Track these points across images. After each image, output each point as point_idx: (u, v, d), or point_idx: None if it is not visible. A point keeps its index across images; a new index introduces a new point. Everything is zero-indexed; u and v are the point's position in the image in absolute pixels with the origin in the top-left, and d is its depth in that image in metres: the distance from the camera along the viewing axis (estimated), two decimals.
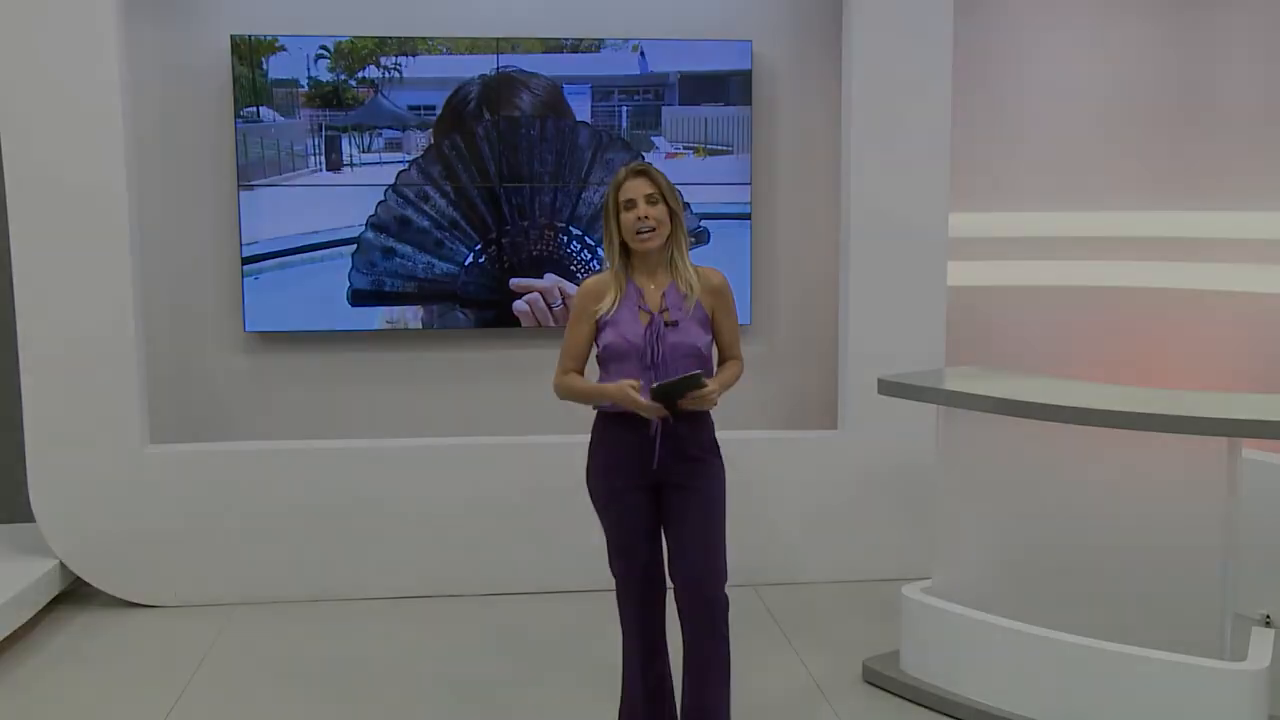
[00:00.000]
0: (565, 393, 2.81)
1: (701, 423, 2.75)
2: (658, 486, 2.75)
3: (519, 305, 4.53)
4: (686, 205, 4.48)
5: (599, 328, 2.76)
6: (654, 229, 2.71)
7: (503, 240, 4.49)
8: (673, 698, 2.92)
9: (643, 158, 4.47)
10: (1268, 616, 3.83)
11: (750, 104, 4.55)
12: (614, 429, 2.75)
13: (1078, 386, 3.33)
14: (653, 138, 4.52)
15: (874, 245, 4.37)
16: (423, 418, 4.64)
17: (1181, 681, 2.91)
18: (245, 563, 4.22)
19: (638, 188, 2.71)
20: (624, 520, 2.76)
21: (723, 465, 2.80)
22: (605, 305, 2.75)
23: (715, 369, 2.84)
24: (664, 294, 2.75)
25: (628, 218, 2.72)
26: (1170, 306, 4.78)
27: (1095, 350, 4.85)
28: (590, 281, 2.82)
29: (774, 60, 4.64)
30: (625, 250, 2.77)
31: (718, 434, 2.82)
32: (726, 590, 2.75)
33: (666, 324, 2.72)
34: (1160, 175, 4.78)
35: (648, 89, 4.51)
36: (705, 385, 2.61)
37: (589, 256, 4.53)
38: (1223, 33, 4.68)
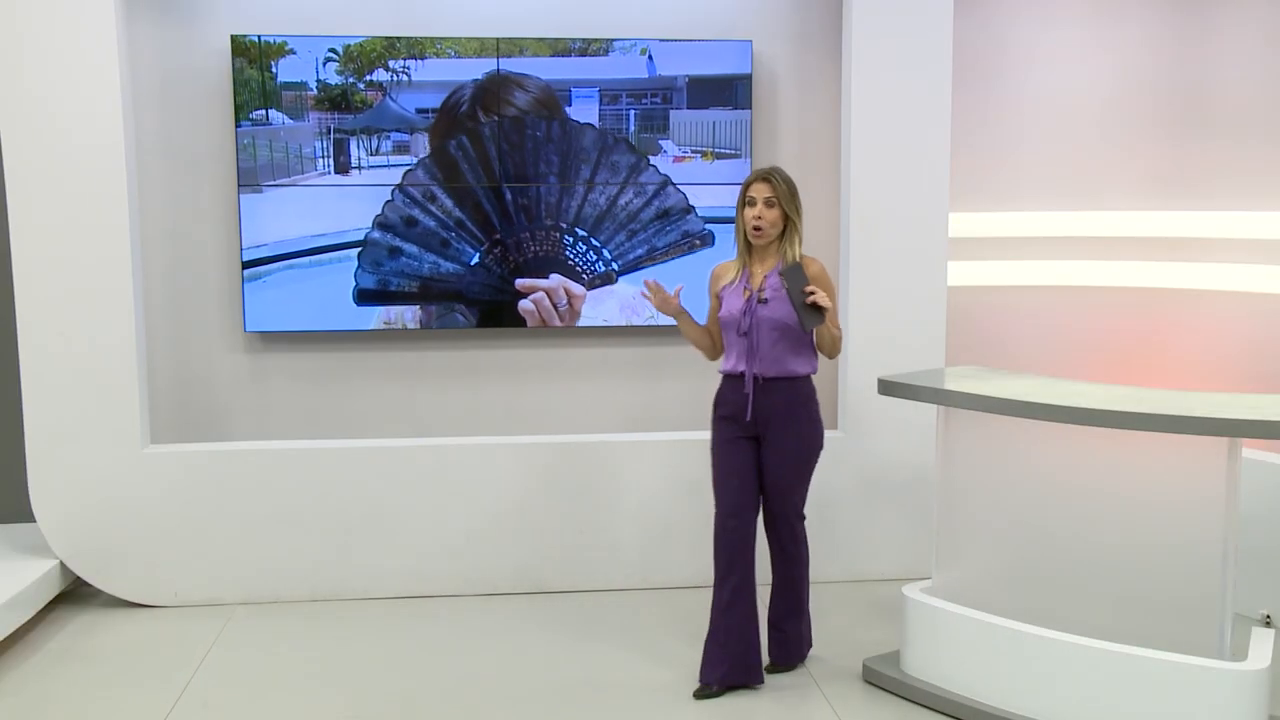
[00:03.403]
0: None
1: (789, 388, 3.31)
2: (756, 438, 3.34)
3: (525, 305, 4.53)
4: (691, 209, 4.53)
5: (721, 301, 3.38)
6: (764, 229, 3.28)
7: (508, 242, 4.49)
8: (750, 625, 3.37)
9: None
10: (1268, 616, 3.84)
11: (750, 105, 4.55)
12: (724, 389, 3.40)
13: (1078, 386, 3.33)
14: (660, 141, 4.52)
15: (874, 245, 4.37)
16: (424, 418, 4.64)
17: (1181, 681, 2.91)
18: (245, 563, 4.22)
19: (760, 190, 3.28)
20: (721, 461, 3.38)
21: (811, 425, 3.36)
22: (723, 284, 3.40)
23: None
24: (765, 277, 3.32)
25: (747, 213, 3.30)
26: (1170, 306, 4.78)
27: (1095, 350, 4.86)
28: (718, 266, 3.51)
29: (774, 61, 4.64)
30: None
31: None
32: (803, 516, 3.45)
33: (759, 301, 3.28)
34: (1160, 175, 4.78)
35: (656, 92, 4.51)
36: (805, 278, 3.19)
37: (594, 258, 4.53)
38: (1223, 32, 4.68)
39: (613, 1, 4.54)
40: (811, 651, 3.63)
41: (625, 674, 3.56)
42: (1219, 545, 2.94)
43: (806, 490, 3.44)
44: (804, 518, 3.46)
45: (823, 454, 3.46)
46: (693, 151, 4.54)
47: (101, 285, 4.05)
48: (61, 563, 4.12)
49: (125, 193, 4.04)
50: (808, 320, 3.19)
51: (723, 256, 4.52)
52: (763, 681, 3.40)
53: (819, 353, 3.39)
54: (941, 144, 4.36)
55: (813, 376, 3.39)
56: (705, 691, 3.35)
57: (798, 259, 3.28)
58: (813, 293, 3.16)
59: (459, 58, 4.42)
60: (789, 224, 3.30)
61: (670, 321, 4.55)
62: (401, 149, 4.43)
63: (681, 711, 3.29)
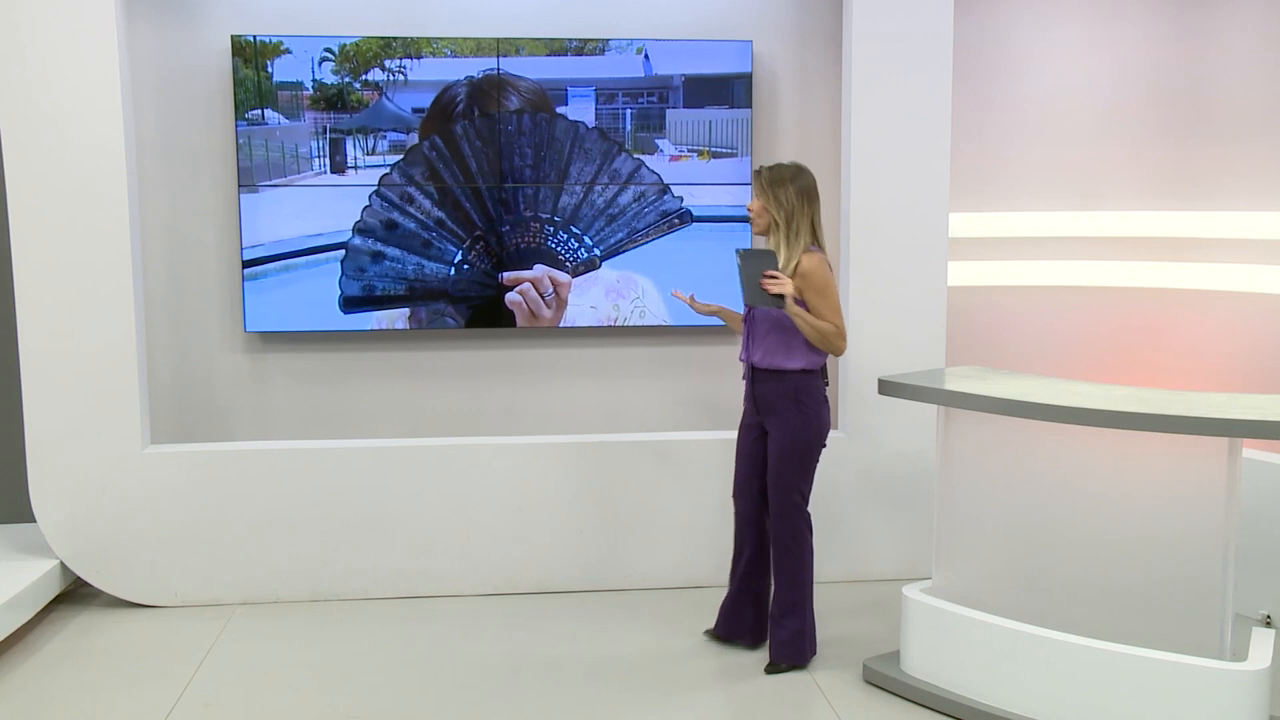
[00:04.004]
0: None
1: (780, 380, 3.44)
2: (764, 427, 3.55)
3: (512, 297, 4.53)
4: (666, 188, 4.53)
5: None
6: (754, 220, 3.49)
7: (490, 237, 4.49)
8: (744, 592, 3.69)
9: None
10: (1268, 616, 3.84)
11: (750, 105, 4.55)
12: (745, 384, 3.58)
13: (1077, 386, 3.33)
14: (656, 140, 4.52)
15: (874, 245, 4.37)
16: (424, 417, 4.64)
17: (1181, 681, 2.91)
18: (245, 563, 4.22)
19: (753, 187, 3.59)
20: (737, 446, 3.65)
21: (803, 419, 3.43)
22: None
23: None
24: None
25: None
26: (1170, 306, 4.78)
27: (1095, 350, 4.86)
28: None
29: (774, 61, 4.64)
30: None
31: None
32: (804, 512, 3.53)
33: None
34: (1161, 175, 4.78)
35: (652, 91, 4.51)
36: (777, 268, 3.29)
37: (576, 245, 4.54)
38: (1223, 32, 4.68)
39: (612, 2, 4.55)
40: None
41: (627, 673, 3.56)
42: (1219, 545, 2.94)
43: (803, 485, 3.49)
44: (803, 513, 3.50)
45: (823, 453, 3.48)
46: (689, 150, 4.54)
47: (101, 285, 4.05)
48: (61, 563, 4.12)
49: (125, 193, 4.04)
50: (751, 297, 3.32)
51: (719, 256, 4.56)
52: (751, 643, 3.69)
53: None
54: (941, 144, 4.36)
55: (814, 371, 3.45)
56: (710, 632, 3.81)
57: (771, 248, 3.42)
58: (770, 277, 3.27)
59: (455, 57, 4.42)
60: (773, 217, 3.44)
61: (674, 321, 4.59)
62: (397, 149, 4.43)
63: (683, 709, 3.30)
